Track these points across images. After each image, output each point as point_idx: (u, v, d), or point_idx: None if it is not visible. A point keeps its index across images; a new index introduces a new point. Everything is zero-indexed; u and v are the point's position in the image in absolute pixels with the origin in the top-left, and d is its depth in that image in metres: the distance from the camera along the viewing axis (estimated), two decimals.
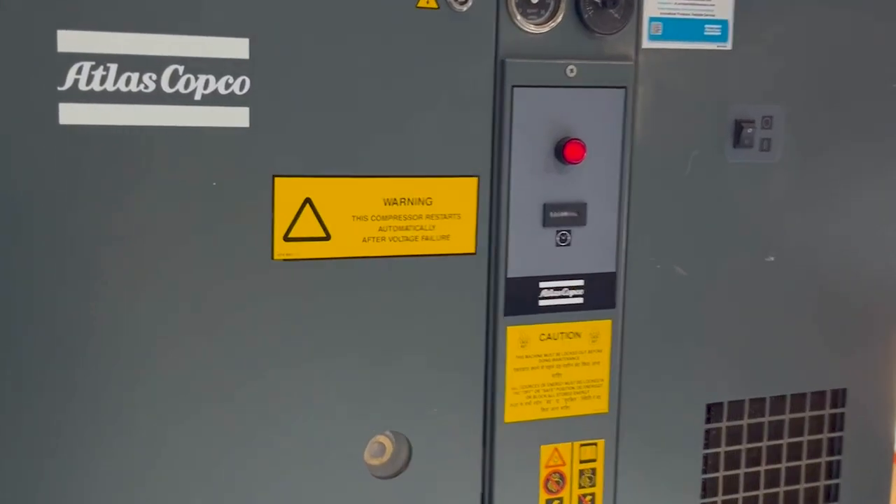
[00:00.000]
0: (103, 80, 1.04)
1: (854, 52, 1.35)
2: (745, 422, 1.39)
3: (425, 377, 1.20)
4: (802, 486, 1.43)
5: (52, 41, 1.02)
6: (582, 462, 1.29)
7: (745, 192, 1.33)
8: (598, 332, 1.28)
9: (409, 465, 1.21)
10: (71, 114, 1.03)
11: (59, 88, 1.02)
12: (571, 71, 1.21)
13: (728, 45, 1.29)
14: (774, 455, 1.41)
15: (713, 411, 1.37)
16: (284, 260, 1.13)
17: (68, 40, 1.02)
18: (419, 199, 1.18)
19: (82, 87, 1.03)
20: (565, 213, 1.24)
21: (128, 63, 1.04)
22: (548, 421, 1.27)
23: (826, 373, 1.41)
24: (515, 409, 1.25)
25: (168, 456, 1.11)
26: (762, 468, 1.40)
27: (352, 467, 1.19)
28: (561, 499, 1.29)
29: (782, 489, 1.42)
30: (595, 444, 1.30)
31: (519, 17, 1.19)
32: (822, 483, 1.44)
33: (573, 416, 1.28)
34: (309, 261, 1.14)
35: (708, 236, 1.32)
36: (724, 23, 1.29)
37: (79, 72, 1.03)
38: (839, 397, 1.43)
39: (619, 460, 1.31)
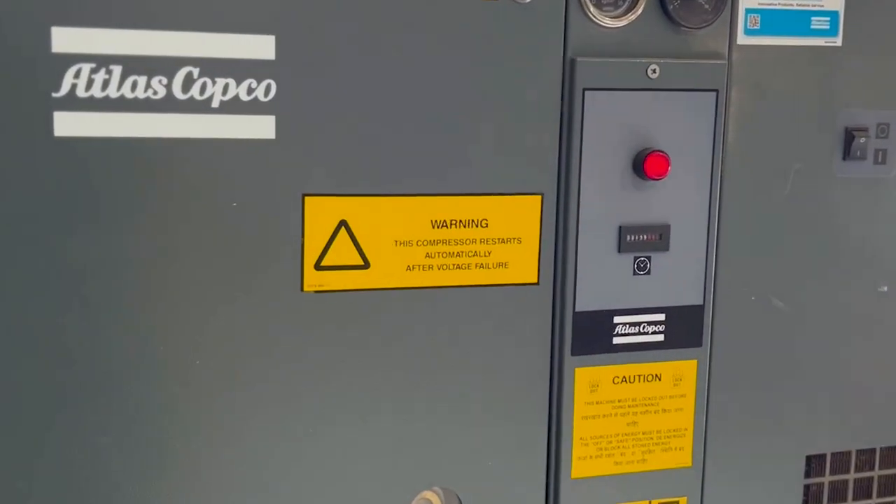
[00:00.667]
0: (105, 84, 0.89)
1: None
2: (852, 476, 1.20)
3: (480, 425, 1.04)
4: None
5: (46, 40, 0.87)
6: None
7: (856, 211, 1.14)
8: (681, 374, 1.10)
9: None
10: (67, 124, 0.89)
11: (53, 95, 0.88)
12: (654, 71, 1.04)
13: (838, 41, 1.11)
14: None
15: (814, 464, 1.18)
16: (316, 292, 0.98)
17: (64, 39, 0.88)
18: (473, 221, 1.01)
19: (81, 93, 0.89)
20: (645, 237, 1.06)
21: (134, 65, 0.90)
22: (622, 476, 1.10)
23: None
24: (584, 462, 1.08)
25: None
26: None
27: None
28: None
29: None
30: (677, 502, 1.12)
31: (592, 9, 1.02)
32: None
33: (651, 470, 1.11)
34: (345, 293, 0.98)
35: (812, 263, 1.14)
36: (833, 14, 1.10)
37: (77, 75, 0.88)
38: None
39: None
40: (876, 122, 1.13)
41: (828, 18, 1.10)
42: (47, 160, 0.89)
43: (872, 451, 1.20)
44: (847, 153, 1.13)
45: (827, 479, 1.19)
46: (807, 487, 1.18)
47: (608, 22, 1.03)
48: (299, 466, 0.99)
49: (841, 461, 1.19)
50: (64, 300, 0.91)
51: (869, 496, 1.21)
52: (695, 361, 1.11)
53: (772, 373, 1.14)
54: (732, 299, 1.11)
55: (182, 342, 0.94)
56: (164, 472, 0.95)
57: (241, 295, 0.95)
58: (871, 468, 1.21)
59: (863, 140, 1.12)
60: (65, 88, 0.88)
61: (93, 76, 0.89)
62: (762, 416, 1.15)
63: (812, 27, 1.10)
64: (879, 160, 1.14)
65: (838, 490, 1.20)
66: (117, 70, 0.89)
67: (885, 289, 1.16)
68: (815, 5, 1.09)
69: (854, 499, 1.21)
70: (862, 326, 1.16)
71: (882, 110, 1.13)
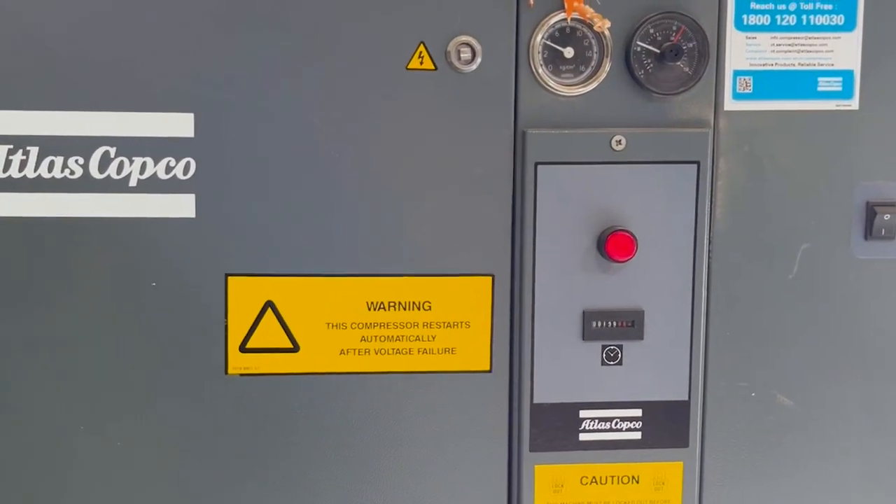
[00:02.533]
0: (22, 165, 0.91)
1: None
2: None
3: None
4: None
5: None
6: None
7: (881, 296, 0.99)
8: (664, 477, 0.99)
9: None
10: None
11: None
12: (619, 142, 0.94)
13: (853, 104, 0.97)
14: None
15: None
16: (242, 375, 0.94)
17: None
18: (414, 304, 0.95)
19: (1, 173, 0.90)
20: (614, 324, 0.96)
21: (50, 145, 0.90)
22: None
23: None
24: None
25: None
26: None
27: None
28: None
29: None
30: None
31: (547, 78, 0.94)
32: None
33: None
34: (272, 376, 0.95)
35: (826, 355, 0.99)
36: (847, 74, 0.96)
37: None
38: None
39: None
40: None
41: (839, 79, 0.96)
42: None
43: None
44: (870, 231, 0.98)
45: None
46: None
47: (565, 91, 0.94)
48: None
49: None
50: None
51: None
52: (681, 464, 0.99)
53: (780, 476, 1.00)
54: (727, 395, 0.99)
55: (98, 423, 0.94)
56: None
57: (163, 376, 0.93)
58: None
59: (888, 217, 0.97)
60: None
61: (10, 157, 0.90)
62: None
63: (819, 89, 0.96)
64: None
65: None
66: (34, 151, 0.90)
67: None
68: (822, 64, 0.96)
69: None
70: (879, 427, 1.01)
71: None
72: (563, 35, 0.94)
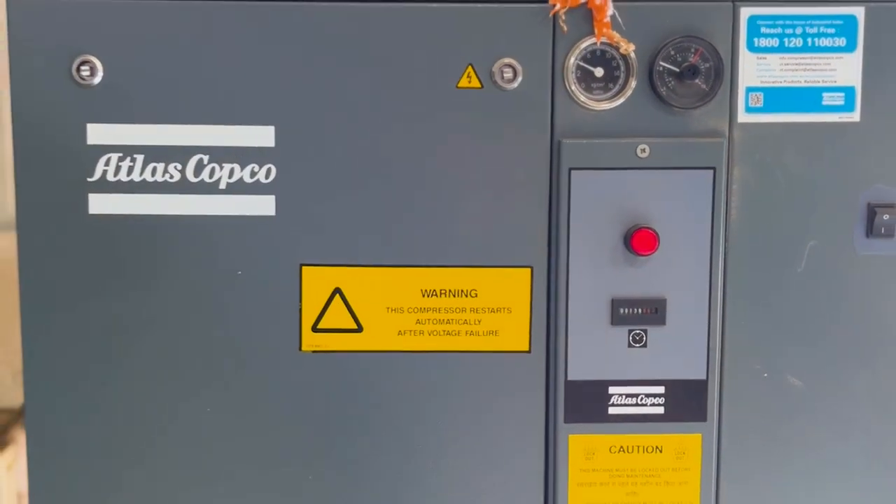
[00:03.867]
0: (130, 170, 1.07)
1: None
2: None
3: (473, 490, 1.11)
4: None
5: (83, 134, 1.06)
6: None
7: (883, 289, 1.10)
8: (685, 447, 1.11)
9: None
10: (100, 204, 1.07)
11: (88, 179, 1.07)
12: (643, 151, 1.08)
13: (855, 116, 1.09)
14: None
15: None
16: (315, 352, 1.09)
17: (97, 133, 1.06)
18: (462, 291, 1.09)
19: (110, 177, 1.07)
20: (639, 310, 1.09)
21: (153, 154, 1.07)
22: None
23: None
24: None
25: None
26: None
27: None
28: None
29: None
30: None
31: (579, 94, 1.08)
32: None
33: None
34: (340, 353, 1.09)
35: (832, 341, 1.11)
36: (849, 90, 1.08)
37: (107, 163, 1.06)
38: None
39: None
40: None
41: (842, 94, 1.08)
42: (83, 233, 1.07)
43: None
44: (871, 230, 1.10)
45: None
46: None
47: (597, 105, 1.08)
48: None
49: None
50: (93, 352, 1.08)
51: None
52: (699, 436, 1.11)
53: (791, 452, 1.12)
54: (742, 375, 1.11)
55: (191, 393, 1.09)
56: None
57: (246, 352, 1.09)
58: None
59: (887, 217, 1.09)
60: (97, 174, 1.07)
61: (120, 163, 1.07)
62: (782, 498, 1.12)
63: (824, 104, 1.09)
64: None
65: None
66: (140, 158, 1.07)
67: None
68: (825, 81, 1.08)
69: None
70: (883, 410, 1.12)
71: None
72: (594, 57, 1.07)
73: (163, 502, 1.11)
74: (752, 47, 1.08)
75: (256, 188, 1.07)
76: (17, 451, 2.69)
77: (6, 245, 2.86)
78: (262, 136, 1.07)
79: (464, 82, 1.07)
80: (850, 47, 1.08)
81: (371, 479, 1.11)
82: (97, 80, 1.05)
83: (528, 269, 1.09)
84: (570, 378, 1.10)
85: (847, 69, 1.08)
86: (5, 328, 2.84)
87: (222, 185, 1.07)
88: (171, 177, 1.07)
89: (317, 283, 1.09)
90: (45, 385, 1.09)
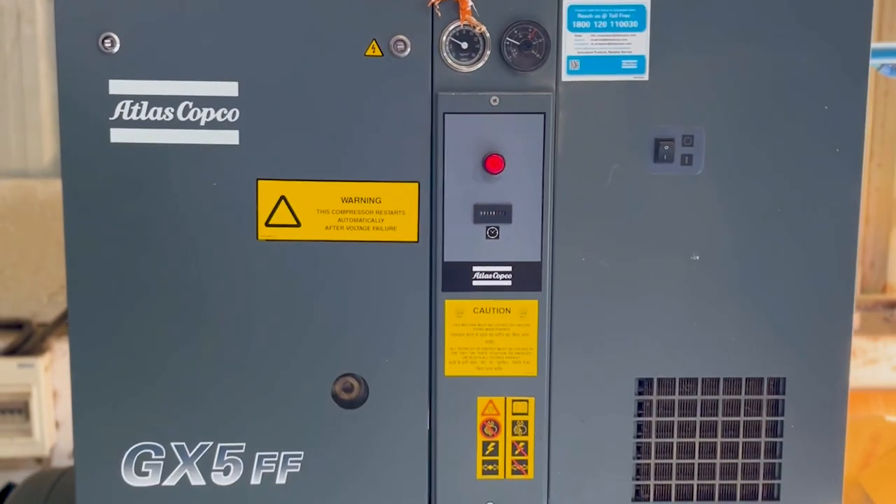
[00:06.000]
0: (139, 112, 1.54)
1: (768, 82, 1.54)
2: (677, 397, 1.62)
3: (378, 336, 1.59)
4: (740, 460, 1.63)
5: (106, 87, 1.54)
6: (514, 414, 1.60)
7: (668, 199, 1.57)
8: (525, 309, 1.59)
9: (367, 401, 1.60)
10: (118, 135, 1.55)
11: (110, 118, 1.55)
12: (494, 101, 1.54)
13: (645, 77, 1.55)
14: (710, 431, 1.63)
15: (644, 385, 1.61)
16: (267, 240, 1.57)
17: (116, 86, 1.54)
18: (370, 199, 1.57)
19: (125, 117, 1.54)
20: (493, 213, 1.57)
21: (154, 101, 1.54)
22: (482, 378, 1.60)
23: (762, 361, 1.60)
24: (454, 365, 1.60)
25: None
26: (696, 440, 1.62)
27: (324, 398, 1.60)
28: (497, 442, 1.61)
29: (719, 461, 1.63)
30: (526, 400, 1.60)
31: (451, 61, 1.55)
32: (762, 460, 1.63)
33: (505, 375, 1.60)
34: (284, 242, 1.58)
35: (632, 235, 1.58)
36: (640, 58, 1.55)
37: (122, 107, 1.54)
38: (779, 385, 1.61)
39: (553, 415, 1.61)
40: (682, 134, 1.56)
41: (635, 61, 1.55)
42: (107, 157, 1.55)
43: (695, 380, 1.61)
44: (657, 157, 1.56)
45: (655, 397, 1.61)
46: (639, 403, 1.62)
47: (463, 69, 1.55)
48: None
49: (668, 386, 1.61)
50: (122, 247, 1.57)
51: (693, 415, 1.62)
52: (536, 301, 1.58)
53: (604, 313, 1.59)
54: (566, 259, 1.58)
55: (179, 277, 1.58)
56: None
57: (217, 241, 1.57)
58: (694, 393, 1.61)
59: (667, 147, 1.55)
60: (116, 114, 1.54)
61: (132, 107, 1.54)
62: (598, 346, 1.60)
63: (623, 67, 1.55)
64: (686, 162, 1.56)
65: (667, 407, 1.62)
66: (145, 104, 1.54)
67: (698, 257, 1.58)
68: (624, 52, 1.55)
69: (681, 416, 1.62)
70: (680, 284, 1.59)
71: (687, 125, 1.56)
72: (461, 34, 1.54)
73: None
74: (571, 28, 1.54)
75: (226, 125, 1.55)
76: (52, 357, 3.21)
77: (43, 189, 3.37)
78: (229, 88, 1.54)
79: (370, 52, 1.54)
80: (640, 28, 1.54)
81: (312, 335, 1.59)
82: (116, 49, 1.52)
83: (416, 184, 1.57)
84: (445, 260, 1.58)
85: (639, 43, 1.54)
86: (41, 258, 3.35)
87: (202, 123, 1.55)
88: (167, 117, 1.55)
89: (268, 192, 1.56)
90: (84, 268, 1.57)
